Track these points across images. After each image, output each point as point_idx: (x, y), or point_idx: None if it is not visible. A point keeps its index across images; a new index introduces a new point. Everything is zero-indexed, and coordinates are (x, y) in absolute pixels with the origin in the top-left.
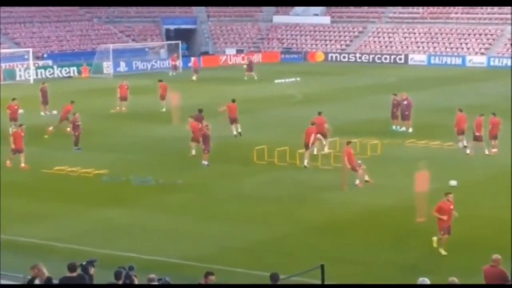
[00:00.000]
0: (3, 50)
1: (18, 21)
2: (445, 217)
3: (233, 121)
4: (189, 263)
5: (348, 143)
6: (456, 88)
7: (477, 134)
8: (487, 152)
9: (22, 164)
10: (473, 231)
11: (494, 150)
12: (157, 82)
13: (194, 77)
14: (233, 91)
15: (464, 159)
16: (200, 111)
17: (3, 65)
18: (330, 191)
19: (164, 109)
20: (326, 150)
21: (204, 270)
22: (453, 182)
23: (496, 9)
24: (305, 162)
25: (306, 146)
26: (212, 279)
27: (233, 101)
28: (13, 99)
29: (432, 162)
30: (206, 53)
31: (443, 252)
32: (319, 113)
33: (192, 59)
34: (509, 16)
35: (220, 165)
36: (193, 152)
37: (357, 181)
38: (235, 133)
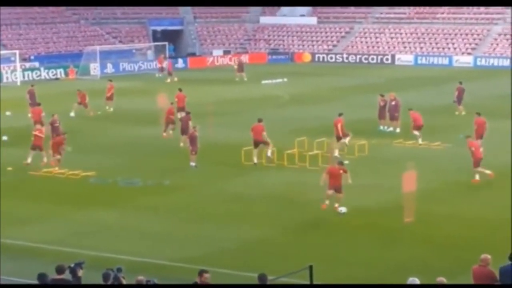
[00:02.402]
0: None
1: (4, 23)
2: None
3: (181, 109)
4: (177, 264)
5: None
6: (443, 88)
7: None
8: None
9: (28, 160)
10: (461, 231)
11: (480, 150)
12: (143, 83)
13: (168, 80)
14: (221, 92)
15: (451, 159)
16: (188, 113)
17: None
18: (318, 192)
19: (107, 108)
20: (346, 144)
21: (192, 272)
22: None
23: (482, 9)
24: (268, 153)
25: (256, 145)
26: (207, 277)
27: (180, 90)
28: (38, 104)
29: (419, 162)
30: (193, 54)
31: None
32: (340, 114)
33: (166, 61)
34: (495, 16)
35: (208, 166)
36: (29, 160)
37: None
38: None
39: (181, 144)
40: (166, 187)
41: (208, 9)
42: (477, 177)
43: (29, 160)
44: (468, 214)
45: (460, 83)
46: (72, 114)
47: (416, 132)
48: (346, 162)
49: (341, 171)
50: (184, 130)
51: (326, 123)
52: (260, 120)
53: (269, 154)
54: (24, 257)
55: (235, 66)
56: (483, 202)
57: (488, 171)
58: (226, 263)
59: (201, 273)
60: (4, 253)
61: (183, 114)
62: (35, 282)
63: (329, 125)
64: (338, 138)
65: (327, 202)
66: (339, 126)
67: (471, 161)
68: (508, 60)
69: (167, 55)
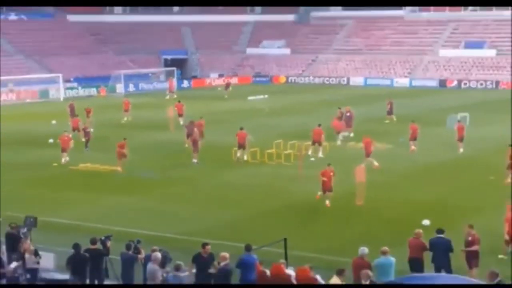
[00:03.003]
0: (40, 76)
1: (51, 53)
2: None
3: (181, 116)
4: (183, 237)
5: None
6: (385, 103)
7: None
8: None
9: (63, 160)
10: (401, 211)
11: (413, 148)
12: (156, 99)
13: (172, 96)
14: (216, 105)
15: (393, 157)
16: (192, 122)
17: (39, 86)
18: (291, 182)
19: (125, 119)
20: (320, 154)
21: (195, 243)
22: (426, 222)
23: (416, 42)
24: (244, 157)
25: (240, 146)
26: (209, 248)
27: (179, 101)
28: (77, 115)
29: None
30: (195, 76)
31: None
32: (319, 125)
33: (169, 81)
34: (425, 48)
35: (207, 163)
36: (64, 160)
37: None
38: (182, 123)
39: (186, 145)
40: (175, 178)
41: (207, 42)
42: (375, 163)
43: (63, 160)
44: (407, 198)
45: (389, 98)
46: (91, 129)
47: (339, 136)
48: (312, 159)
49: (332, 173)
50: (189, 135)
51: (298, 129)
52: (242, 128)
53: (245, 158)
54: (66, 232)
55: (224, 86)
56: (417, 189)
57: (376, 163)
58: (220, 236)
59: (203, 245)
60: (51, 228)
61: (182, 119)
62: (71, 250)
63: (300, 130)
64: (314, 143)
65: (319, 193)
66: (322, 136)
67: (405, 157)
68: (436, 82)
69: (175, 78)
